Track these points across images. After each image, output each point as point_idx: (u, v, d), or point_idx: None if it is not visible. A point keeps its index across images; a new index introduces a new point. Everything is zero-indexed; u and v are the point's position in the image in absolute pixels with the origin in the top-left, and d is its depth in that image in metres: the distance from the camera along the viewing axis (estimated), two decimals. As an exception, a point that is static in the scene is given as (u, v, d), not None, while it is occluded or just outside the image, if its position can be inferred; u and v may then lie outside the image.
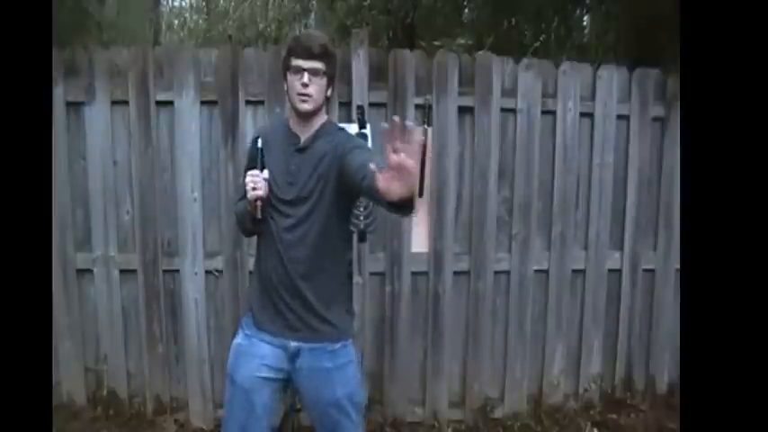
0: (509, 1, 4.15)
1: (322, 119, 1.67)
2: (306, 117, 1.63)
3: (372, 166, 1.26)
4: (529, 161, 2.78)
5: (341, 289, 1.72)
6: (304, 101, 1.59)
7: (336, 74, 1.70)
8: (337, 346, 1.67)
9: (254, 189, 1.59)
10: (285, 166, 1.64)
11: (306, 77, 1.56)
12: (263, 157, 1.65)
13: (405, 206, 1.30)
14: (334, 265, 1.67)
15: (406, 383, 2.78)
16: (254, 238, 1.77)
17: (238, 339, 1.73)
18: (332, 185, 1.59)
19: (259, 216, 1.62)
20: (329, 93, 1.65)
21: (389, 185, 1.22)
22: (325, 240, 1.63)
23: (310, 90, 1.58)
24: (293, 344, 1.65)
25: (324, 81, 1.60)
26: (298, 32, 5.61)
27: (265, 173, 1.62)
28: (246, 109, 2.61)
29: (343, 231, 1.70)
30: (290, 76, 1.60)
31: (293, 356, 1.66)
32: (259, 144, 1.67)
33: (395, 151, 1.18)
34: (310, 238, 1.61)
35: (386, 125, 1.22)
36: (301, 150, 1.64)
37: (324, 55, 1.58)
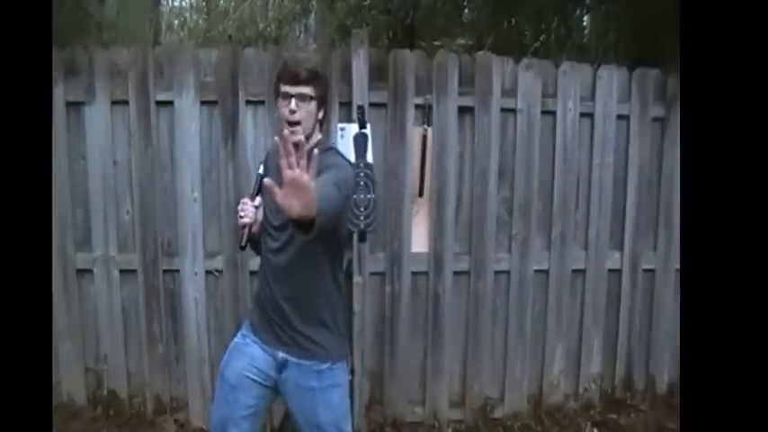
0: (509, 1, 4.15)
1: (315, 139, 1.63)
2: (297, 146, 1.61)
3: (266, 180, 1.23)
4: (529, 161, 2.78)
5: (329, 308, 1.68)
6: (293, 132, 1.55)
7: (328, 95, 1.69)
8: (324, 366, 1.64)
9: (241, 217, 1.66)
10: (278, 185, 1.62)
11: (293, 104, 1.54)
12: (259, 184, 1.68)
13: (303, 225, 1.28)
14: (321, 285, 1.65)
15: (406, 383, 2.78)
16: None
17: (236, 339, 1.77)
18: None
19: (242, 243, 1.69)
20: (320, 115, 1.62)
21: (286, 202, 1.21)
22: (310, 263, 1.61)
23: (297, 117, 1.55)
24: (281, 354, 1.66)
25: (312, 105, 1.57)
26: (298, 33, 5.64)
27: (257, 200, 1.69)
28: (246, 109, 2.61)
29: (330, 252, 1.65)
30: (279, 102, 1.59)
31: (281, 367, 1.66)
32: (260, 170, 1.73)
33: (290, 167, 1.18)
34: (294, 262, 1.60)
35: (277, 139, 1.22)
36: None
37: (311, 79, 1.56)
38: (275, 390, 1.70)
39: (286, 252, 1.61)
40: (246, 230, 1.67)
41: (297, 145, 1.20)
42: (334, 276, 1.69)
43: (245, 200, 1.68)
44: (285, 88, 1.56)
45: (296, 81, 1.55)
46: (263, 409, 1.75)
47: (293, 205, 1.21)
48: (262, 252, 1.72)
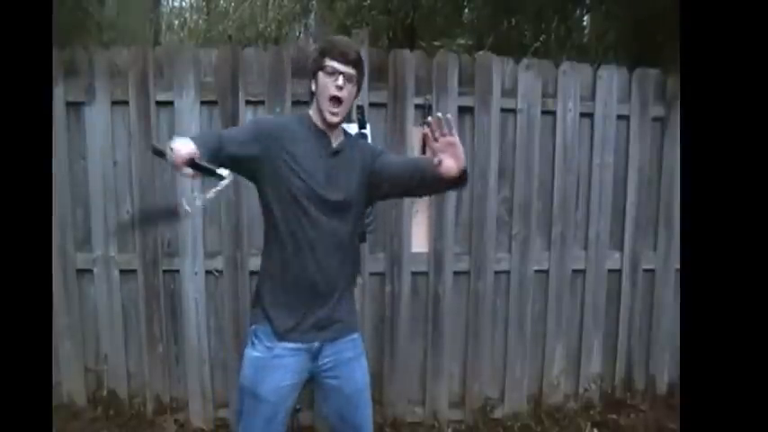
0: (509, 1, 4.15)
1: (343, 124, 1.71)
2: (333, 126, 1.64)
3: (435, 159, 1.44)
4: (529, 161, 2.78)
5: (353, 283, 1.81)
6: (334, 114, 1.60)
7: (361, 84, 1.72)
8: (355, 335, 1.74)
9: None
10: (323, 167, 1.63)
11: (341, 80, 1.58)
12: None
13: (462, 178, 1.48)
14: (355, 262, 1.78)
15: (406, 383, 2.78)
16: (261, 239, 1.75)
17: (256, 352, 1.66)
18: (365, 192, 1.69)
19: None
20: (353, 101, 1.68)
21: (446, 164, 1.43)
22: (352, 242, 1.73)
23: (343, 93, 1.58)
24: (317, 343, 1.67)
25: (354, 88, 1.63)
26: (298, 33, 5.64)
27: (224, 172, 1.42)
28: (246, 109, 2.61)
29: (359, 229, 1.80)
30: (322, 77, 1.60)
31: (316, 355, 1.67)
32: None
33: (437, 139, 1.41)
34: (346, 241, 1.68)
35: (426, 125, 1.44)
36: (335, 153, 1.65)
37: (358, 62, 1.62)
38: (310, 379, 1.73)
39: (340, 232, 1.65)
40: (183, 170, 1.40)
41: (445, 120, 1.42)
42: (359, 249, 1.82)
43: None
44: (334, 65, 1.58)
45: (347, 60, 1.59)
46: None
47: (453, 164, 1.43)
48: (300, 233, 1.61)
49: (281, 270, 1.66)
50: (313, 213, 1.61)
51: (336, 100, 1.59)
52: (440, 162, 1.43)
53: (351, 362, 1.71)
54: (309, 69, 1.66)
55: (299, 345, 1.65)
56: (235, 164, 1.53)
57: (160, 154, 1.46)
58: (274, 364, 1.64)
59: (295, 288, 1.64)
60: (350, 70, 1.59)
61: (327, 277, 1.64)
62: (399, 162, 1.72)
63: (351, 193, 1.65)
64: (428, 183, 1.56)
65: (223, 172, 1.42)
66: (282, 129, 1.64)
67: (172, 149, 1.40)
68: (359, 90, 1.68)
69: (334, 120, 1.61)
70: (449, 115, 1.43)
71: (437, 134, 1.41)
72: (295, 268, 1.63)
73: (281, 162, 1.59)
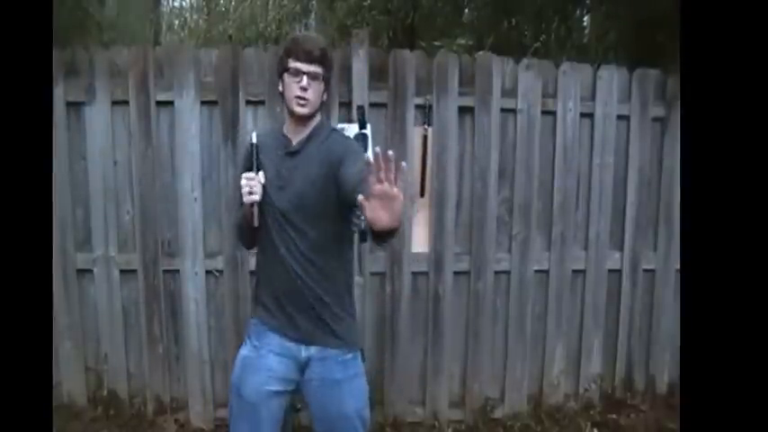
0: (509, 1, 4.15)
1: (315, 121, 1.65)
2: (301, 120, 1.61)
3: (360, 197, 1.22)
4: (529, 161, 2.78)
5: (347, 293, 1.69)
6: (301, 105, 1.56)
7: (333, 77, 1.70)
8: (348, 356, 1.65)
9: (250, 194, 1.56)
10: (276, 170, 1.61)
11: (305, 81, 1.55)
12: (258, 156, 1.61)
13: (388, 234, 1.28)
14: (339, 269, 1.66)
15: (406, 383, 2.78)
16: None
17: (245, 351, 1.68)
18: (330, 190, 1.55)
19: (255, 224, 1.58)
20: (325, 97, 1.63)
21: (375, 215, 1.20)
22: (330, 244, 1.61)
23: (308, 94, 1.56)
24: (304, 354, 1.63)
25: (321, 86, 1.59)
26: (298, 33, 5.64)
27: (261, 175, 1.59)
28: (246, 109, 2.61)
29: (346, 233, 1.67)
30: (287, 78, 1.58)
31: (303, 367, 1.64)
32: (253, 139, 1.62)
33: (380, 181, 1.17)
34: (317, 244, 1.59)
35: (369, 157, 1.20)
36: (292, 154, 1.61)
37: (323, 59, 1.57)
38: (296, 390, 1.68)
39: (306, 234, 1.58)
40: (256, 208, 1.56)
41: (389, 160, 1.17)
42: (347, 253, 1.70)
43: (250, 174, 1.57)
44: (297, 65, 1.55)
45: (309, 59, 1.55)
46: (286, 412, 1.72)
47: (381, 218, 1.20)
48: (270, 238, 1.61)
49: (261, 274, 1.70)
50: (278, 219, 1.59)
51: (302, 100, 1.56)
52: (363, 201, 1.21)
53: (340, 384, 1.63)
54: (276, 71, 1.64)
55: (284, 348, 1.63)
56: None
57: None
58: (259, 365, 1.64)
59: (272, 293, 1.65)
60: (314, 69, 1.55)
61: (301, 285, 1.59)
62: (355, 179, 1.44)
63: (309, 195, 1.56)
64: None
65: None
66: (259, 141, 1.66)
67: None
68: (328, 85, 1.63)
69: (302, 111, 1.57)
70: (390, 152, 1.16)
71: (380, 174, 1.16)
72: (270, 274, 1.64)
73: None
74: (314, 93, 1.57)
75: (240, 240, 1.81)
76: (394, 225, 1.22)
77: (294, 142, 1.62)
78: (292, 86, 1.56)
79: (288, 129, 1.65)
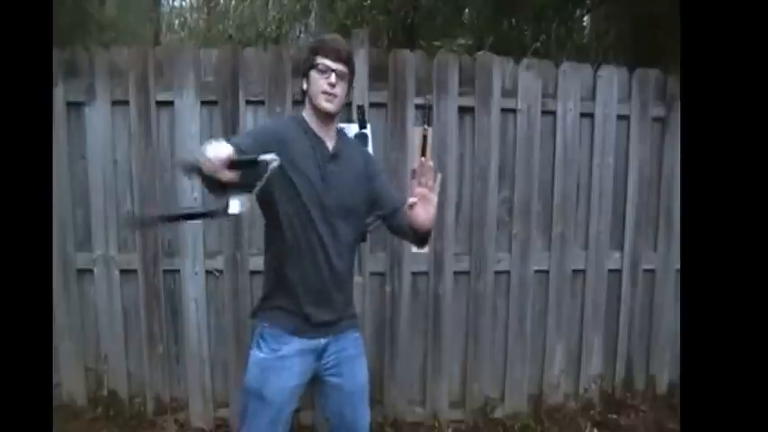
0: (509, 1, 4.15)
1: (336, 122, 1.71)
2: (328, 119, 1.65)
3: (407, 205, 1.50)
4: (529, 161, 2.78)
5: (351, 280, 1.80)
6: (329, 101, 1.61)
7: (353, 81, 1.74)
8: (357, 334, 1.78)
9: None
10: (319, 171, 1.63)
11: (333, 78, 1.60)
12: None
13: (425, 235, 1.59)
14: (353, 262, 1.78)
15: (406, 383, 2.78)
16: (262, 240, 1.74)
17: (262, 353, 1.67)
18: (362, 196, 1.71)
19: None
20: (346, 99, 1.69)
21: (415, 214, 1.50)
22: (353, 244, 1.74)
23: (336, 90, 1.61)
24: (323, 341, 1.68)
25: (346, 85, 1.65)
26: (298, 33, 5.64)
27: (267, 156, 1.32)
28: (246, 109, 2.61)
29: (361, 234, 1.81)
30: (314, 75, 1.62)
31: (320, 353, 1.69)
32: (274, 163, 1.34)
33: (420, 185, 1.47)
34: (351, 244, 1.72)
35: (415, 166, 1.51)
36: (334, 157, 1.66)
37: (349, 59, 1.64)
38: (313, 378, 1.73)
39: (345, 235, 1.68)
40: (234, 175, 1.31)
41: (431, 169, 1.48)
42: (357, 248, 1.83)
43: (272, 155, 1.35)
44: (326, 62, 1.60)
45: (338, 57, 1.61)
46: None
47: (420, 216, 1.52)
48: (305, 236, 1.60)
49: (287, 272, 1.65)
50: (318, 217, 1.62)
51: (329, 95, 1.61)
52: (411, 206, 1.49)
53: (353, 359, 1.73)
54: (301, 69, 1.67)
55: (305, 345, 1.66)
56: None
57: (192, 169, 1.35)
58: (280, 366, 1.64)
59: (303, 290, 1.64)
60: (342, 67, 1.61)
61: (335, 279, 1.66)
62: (391, 197, 1.75)
63: (351, 198, 1.67)
64: (396, 225, 1.70)
65: (266, 157, 1.31)
66: (283, 131, 1.64)
67: (207, 158, 1.28)
68: (350, 88, 1.70)
69: (330, 107, 1.61)
70: (439, 174, 1.50)
71: (421, 179, 1.47)
72: (303, 271, 1.63)
73: (286, 164, 1.52)
74: (340, 91, 1.62)
75: (207, 181, 1.43)
76: (430, 225, 1.54)
77: (330, 145, 1.67)
78: (320, 82, 1.60)
79: (315, 127, 1.66)
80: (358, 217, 1.72)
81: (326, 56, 1.60)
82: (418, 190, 1.47)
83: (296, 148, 1.61)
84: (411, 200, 1.48)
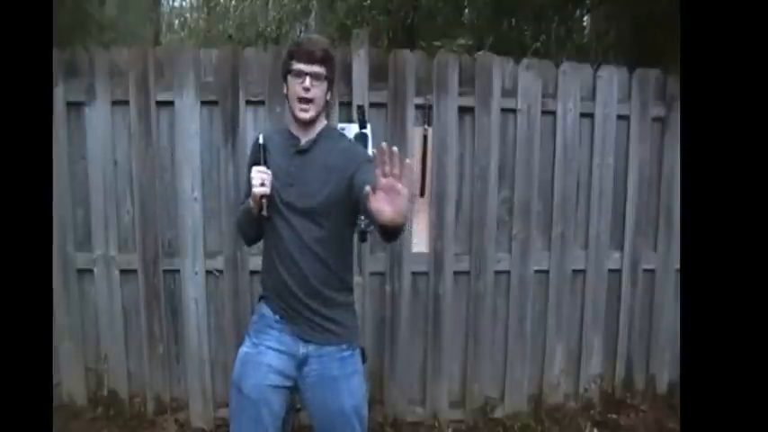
0: (509, 1, 4.16)
1: (322, 123, 1.68)
2: (306, 124, 1.64)
3: (367, 187, 1.25)
4: (529, 161, 2.78)
5: (348, 290, 1.72)
6: (304, 110, 1.59)
7: (336, 78, 1.72)
8: (346, 353, 1.66)
9: (261, 185, 1.58)
10: (284, 167, 1.63)
11: (307, 81, 1.57)
12: (265, 153, 1.65)
13: (394, 231, 1.33)
14: (342, 267, 1.68)
15: (406, 383, 2.78)
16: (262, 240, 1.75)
17: (245, 348, 1.69)
18: (339, 193, 1.58)
19: (265, 213, 1.60)
20: (329, 96, 1.66)
21: (380, 206, 1.23)
22: (334, 243, 1.64)
23: (311, 94, 1.58)
24: (302, 350, 1.64)
25: (324, 85, 1.61)
26: (298, 33, 5.64)
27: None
28: (246, 109, 2.61)
29: (349, 234, 1.72)
30: (290, 80, 1.60)
31: (301, 364, 1.65)
32: (261, 140, 1.67)
33: (384, 175, 1.21)
34: (323, 245, 1.61)
35: (374, 151, 1.23)
36: (301, 152, 1.64)
37: (325, 59, 1.60)
38: (295, 387, 1.69)
39: (316, 234, 1.60)
40: (266, 201, 1.59)
41: (393, 154, 1.20)
42: (350, 253, 1.74)
43: (263, 168, 1.61)
44: (299, 66, 1.58)
45: (311, 60, 1.58)
46: (286, 409, 1.72)
47: (385, 210, 1.23)
48: (278, 235, 1.62)
49: (265, 270, 1.71)
50: (284, 216, 1.61)
51: (305, 101, 1.59)
52: (370, 193, 1.24)
53: (336, 381, 1.64)
54: (281, 73, 1.66)
55: (283, 346, 1.64)
56: None
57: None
58: (258, 361, 1.65)
59: (275, 289, 1.67)
60: (316, 69, 1.58)
61: (302, 282, 1.61)
62: (364, 179, 1.45)
63: (319, 195, 1.59)
64: (368, 215, 1.36)
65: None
66: (266, 139, 1.69)
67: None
68: (332, 85, 1.65)
69: (305, 116, 1.60)
70: (394, 148, 1.20)
71: (386, 168, 1.20)
72: (273, 270, 1.66)
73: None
74: (317, 93, 1.59)
75: (243, 236, 1.82)
76: (398, 220, 1.24)
77: (303, 141, 1.65)
78: (295, 87, 1.59)
79: (293, 128, 1.68)
80: (332, 215, 1.60)
81: (299, 59, 1.58)
82: (383, 181, 1.21)
83: (274, 149, 1.66)
84: (367, 188, 1.24)
